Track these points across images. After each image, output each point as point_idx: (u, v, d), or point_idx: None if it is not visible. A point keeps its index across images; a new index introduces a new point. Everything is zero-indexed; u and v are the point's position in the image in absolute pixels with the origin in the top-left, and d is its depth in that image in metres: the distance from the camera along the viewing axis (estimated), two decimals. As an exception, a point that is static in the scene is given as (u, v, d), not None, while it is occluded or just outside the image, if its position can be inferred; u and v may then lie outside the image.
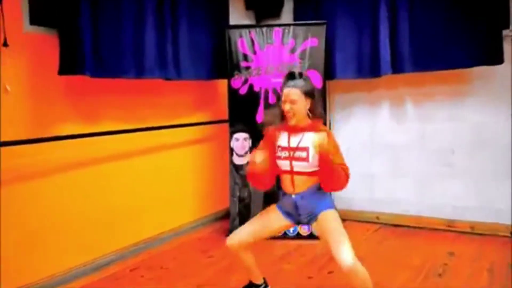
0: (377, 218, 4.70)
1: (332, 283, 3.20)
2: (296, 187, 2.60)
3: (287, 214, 2.70)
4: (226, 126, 4.44)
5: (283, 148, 2.61)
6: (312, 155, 2.50)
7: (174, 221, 4.38)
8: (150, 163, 4.10)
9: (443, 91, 4.33)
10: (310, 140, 2.52)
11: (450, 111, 4.32)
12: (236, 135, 4.30)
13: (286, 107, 2.55)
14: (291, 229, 4.15)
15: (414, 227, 4.46)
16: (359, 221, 4.72)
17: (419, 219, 4.50)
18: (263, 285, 2.92)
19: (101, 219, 3.64)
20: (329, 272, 3.37)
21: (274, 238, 4.13)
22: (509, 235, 4.07)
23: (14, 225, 3.04)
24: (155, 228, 4.16)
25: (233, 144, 4.31)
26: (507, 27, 3.83)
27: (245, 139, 4.28)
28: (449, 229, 4.33)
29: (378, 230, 4.48)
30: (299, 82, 2.56)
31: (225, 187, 4.51)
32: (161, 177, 4.23)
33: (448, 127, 4.34)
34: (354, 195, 4.71)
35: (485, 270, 3.38)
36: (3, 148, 2.90)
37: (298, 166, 2.56)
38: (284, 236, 4.12)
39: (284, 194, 2.70)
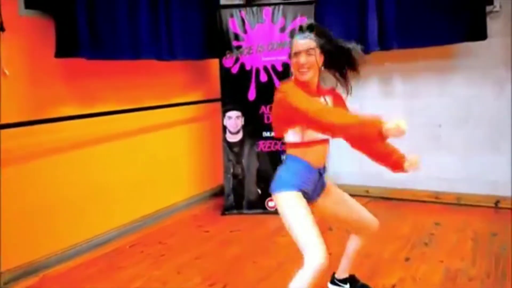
0: (367, 191, 4.85)
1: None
2: (324, 159, 2.37)
3: (305, 193, 2.26)
4: (218, 104, 4.54)
5: None
6: None
7: (170, 198, 4.50)
8: (145, 143, 4.20)
9: (430, 67, 4.44)
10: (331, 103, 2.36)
11: (437, 86, 4.44)
12: (228, 114, 4.40)
13: (302, 59, 2.22)
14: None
15: (403, 200, 4.62)
16: (349, 194, 4.83)
17: (407, 192, 4.65)
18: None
19: (99, 198, 3.75)
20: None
21: (267, 213, 4.30)
22: (493, 205, 4.24)
23: (15, 204, 3.15)
24: (151, 206, 4.28)
25: (226, 122, 4.41)
26: (491, 3, 3.93)
27: (237, 117, 4.39)
28: (436, 201, 4.49)
29: (368, 203, 4.62)
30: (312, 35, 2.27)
31: (219, 165, 4.63)
32: (156, 156, 4.34)
33: (435, 102, 4.46)
34: (344, 169, 4.86)
35: (469, 239, 3.53)
36: (3, 130, 2.99)
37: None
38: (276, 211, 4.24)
39: (309, 168, 2.29)
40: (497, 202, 4.23)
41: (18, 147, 3.16)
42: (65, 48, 3.19)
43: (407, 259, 3.22)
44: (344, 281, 2.72)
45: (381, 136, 1.90)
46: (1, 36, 3.00)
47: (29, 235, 3.25)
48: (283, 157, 2.50)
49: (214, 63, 4.68)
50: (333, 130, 2.07)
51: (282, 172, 2.30)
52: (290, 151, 2.32)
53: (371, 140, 2.07)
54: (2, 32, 2.98)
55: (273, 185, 2.28)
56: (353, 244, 2.61)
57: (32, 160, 3.27)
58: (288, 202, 2.20)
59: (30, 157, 3.25)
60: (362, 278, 2.79)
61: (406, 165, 2.17)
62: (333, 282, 2.75)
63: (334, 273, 2.74)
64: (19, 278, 3.13)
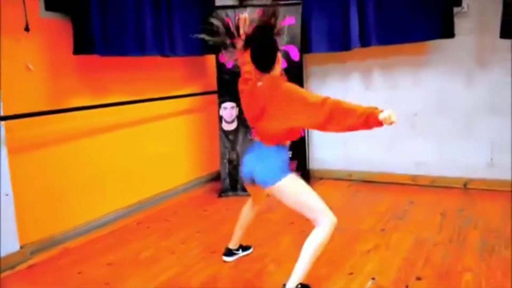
0: (350, 175, 5.30)
1: (311, 227, 3.79)
2: None
3: None
4: (215, 96, 4.96)
5: None
6: None
7: (171, 182, 4.92)
8: (148, 131, 4.61)
9: (406, 62, 4.88)
10: None
11: (412, 79, 4.87)
12: (224, 104, 4.83)
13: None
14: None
15: (382, 182, 5.06)
16: (334, 178, 5.32)
17: (387, 175, 5.10)
18: None
19: (109, 180, 4.17)
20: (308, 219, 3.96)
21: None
22: (462, 186, 4.71)
23: (37, 185, 3.57)
24: (154, 189, 4.70)
25: (222, 112, 4.83)
26: (460, 4, 4.36)
27: (232, 107, 4.81)
28: (412, 183, 4.95)
29: (350, 186, 5.09)
30: None
31: (215, 151, 5.07)
32: (158, 143, 4.75)
33: (411, 93, 4.88)
34: (329, 155, 5.32)
35: (438, 214, 3.99)
36: (27, 119, 3.40)
37: None
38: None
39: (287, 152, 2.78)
40: (465, 183, 4.69)
41: (36, 134, 3.56)
42: (82, 46, 3.61)
43: (382, 230, 3.68)
44: (237, 249, 3.29)
45: (379, 124, 2.25)
46: (25, 35, 3.41)
47: (50, 212, 3.67)
48: (263, 148, 2.66)
49: (211, 58, 5.11)
50: (349, 119, 2.30)
51: (273, 164, 2.62)
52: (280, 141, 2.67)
53: (367, 127, 2.30)
54: (27, 32, 3.39)
55: (270, 179, 2.60)
56: (250, 215, 3.16)
57: (50, 146, 3.67)
58: (293, 183, 2.62)
59: (48, 143, 3.65)
60: (340, 246, 3.31)
61: (380, 116, 2.22)
62: (229, 253, 3.26)
63: (227, 247, 3.26)
64: (43, 249, 3.56)
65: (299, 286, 2.53)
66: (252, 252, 3.36)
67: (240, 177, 4.78)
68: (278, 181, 2.59)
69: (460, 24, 4.39)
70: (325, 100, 2.34)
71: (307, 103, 2.37)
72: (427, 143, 4.89)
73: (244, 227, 3.20)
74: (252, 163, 2.72)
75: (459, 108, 4.68)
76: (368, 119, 2.25)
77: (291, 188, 2.62)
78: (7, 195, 3.30)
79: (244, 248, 3.31)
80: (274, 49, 2.59)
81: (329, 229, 2.52)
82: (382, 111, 2.23)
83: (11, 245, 3.34)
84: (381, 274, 2.94)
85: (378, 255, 3.23)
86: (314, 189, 2.69)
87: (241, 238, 3.24)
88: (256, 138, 2.75)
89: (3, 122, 3.25)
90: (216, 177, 5.39)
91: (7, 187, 3.30)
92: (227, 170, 4.88)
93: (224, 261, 3.22)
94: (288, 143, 2.76)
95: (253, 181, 2.74)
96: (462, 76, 4.63)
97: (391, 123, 2.22)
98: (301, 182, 2.67)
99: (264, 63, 2.59)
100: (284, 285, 2.56)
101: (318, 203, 2.59)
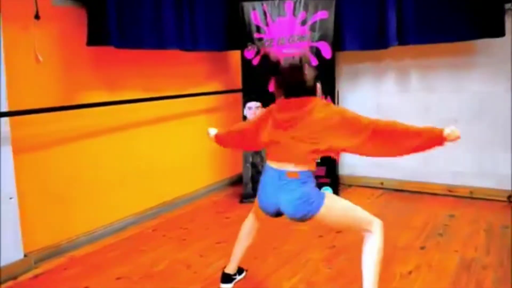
0: (382, 183, 4.94)
1: (341, 242, 3.46)
2: None
3: None
4: (239, 95, 4.65)
5: None
6: None
7: (190, 186, 4.63)
8: (167, 131, 4.32)
9: (447, 63, 4.51)
10: None
11: (453, 82, 4.51)
12: (249, 104, 4.51)
13: None
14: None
15: (417, 192, 4.70)
16: (364, 186, 4.97)
17: (421, 184, 4.74)
18: None
19: (122, 183, 3.88)
20: (338, 232, 3.62)
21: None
22: (506, 200, 4.32)
23: (43, 188, 3.28)
24: (172, 193, 4.41)
25: (246, 112, 4.51)
26: (509, 0, 3.99)
27: (257, 107, 4.48)
28: (450, 194, 4.57)
29: (382, 195, 4.73)
30: None
31: (238, 154, 4.74)
32: (177, 143, 4.46)
33: (450, 98, 4.52)
34: (359, 161, 4.95)
35: (482, 230, 3.62)
36: (34, 116, 3.12)
37: None
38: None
39: None
40: (509, 197, 4.30)
41: (43, 133, 3.28)
42: (96, 37, 3.31)
43: (422, 248, 3.32)
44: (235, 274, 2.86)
45: (442, 142, 2.12)
46: (36, 24, 3.12)
47: (57, 217, 3.39)
48: (300, 176, 2.27)
49: (235, 54, 4.79)
50: (404, 141, 2.18)
51: (309, 190, 2.29)
52: (306, 168, 2.32)
53: (430, 147, 2.18)
54: (37, 20, 3.10)
55: (311, 207, 2.25)
56: (252, 234, 2.75)
57: (61, 144, 3.40)
58: (333, 202, 2.33)
59: (58, 143, 3.38)
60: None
61: (445, 132, 2.10)
62: (228, 280, 2.82)
63: (224, 272, 2.82)
64: (48, 258, 3.27)
65: None
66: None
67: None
68: (320, 207, 2.25)
69: (508, 23, 4.01)
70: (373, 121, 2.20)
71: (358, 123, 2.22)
72: (466, 151, 4.51)
73: (245, 249, 2.77)
74: (277, 196, 2.33)
75: (501, 115, 4.32)
76: (431, 136, 2.13)
77: (333, 209, 2.31)
78: (11, 198, 3.02)
79: (240, 271, 2.90)
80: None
81: (380, 233, 2.34)
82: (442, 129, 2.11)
83: (14, 253, 3.06)
84: (427, 302, 2.58)
85: (422, 278, 2.87)
86: (344, 197, 2.46)
87: (240, 261, 2.82)
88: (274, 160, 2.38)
89: (8, 118, 2.97)
90: (237, 181, 5.08)
91: (12, 189, 3.02)
92: (249, 175, 4.56)
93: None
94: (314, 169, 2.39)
95: (277, 213, 2.41)
96: (506, 80, 4.25)
97: (456, 138, 2.10)
98: (339, 199, 2.42)
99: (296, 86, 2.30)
100: None
101: (362, 212, 2.37)
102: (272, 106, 2.45)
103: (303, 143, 2.26)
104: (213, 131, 2.93)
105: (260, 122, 2.50)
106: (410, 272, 2.94)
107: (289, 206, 2.28)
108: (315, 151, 2.27)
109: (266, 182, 2.40)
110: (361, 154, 2.28)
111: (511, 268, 2.95)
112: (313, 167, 2.34)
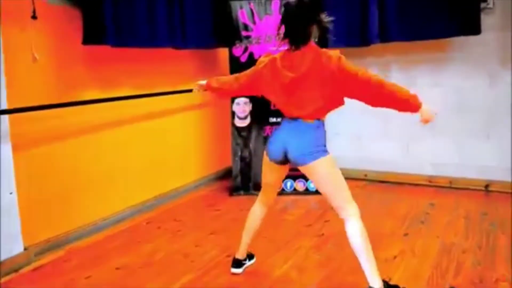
0: (365, 175, 5.12)
1: (329, 230, 3.63)
2: None
3: None
4: (227, 91, 4.75)
5: None
6: None
7: (180, 179, 4.75)
8: (158, 127, 4.43)
9: (427, 59, 4.69)
10: None
11: (433, 77, 4.69)
12: (237, 100, 4.63)
13: None
14: (288, 185, 4.58)
15: (399, 183, 4.89)
16: (348, 178, 5.09)
17: (403, 176, 4.93)
18: None
19: (115, 178, 3.98)
20: (326, 221, 3.80)
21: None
22: (483, 189, 4.53)
23: (37, 184, 3.36)
24: (163, 187, 4.52)
25: (235, 108, 4.65)
26: (485, 0, 4.18)
27: (245, 103, 4.62)
28: (430, 184, 4.77)
29: (366, 186, 4.91)
30: None
31: (227, 148, 4.88)
32: (168, 139, 4.57)
33: (431, 92, 4.67)
34: (343, 154, 5.11)
35: (462, 218, 3.82)
36: (32, 113, 3.20)
37: None
38: (282, 192, 4.51)
39: None
40: (487, 186, 4.52)
41: (42, 129, 3.36)
42: (92, 35, 3.41)
43: (405, 235, 3.51)
44: (245, 259, 3.02)
45: (417, 111, 2.35)
46: (32, 23, 3.20)
47: (56, 211, 3.48)
48: (302, 123, 2.47)
49: (223, 52, 4.91)
50: (392, 97, 2.35)
51: (320, 136, 2.50)
52: (319, 116, 2.52)
53: (406, 110, 2.39)
54: (34, 20, 3.19)
55: (310, 154, 2.43)
56: (260, 219, 2.88)
57: (58, 141, 3.48)
58: (332, 162, 2.48)
59: (55, 138, 3.46)
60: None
61: (421, 110, 2.38)
62: (238, 264, 2.97)
63: (235, 258, 2.97)
64: (49, 250, 3.37)
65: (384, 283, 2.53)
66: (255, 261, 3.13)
67: (252, 176, 4.64)
68: (319, 158, 2.43)
69: (485, 21, 4.19)
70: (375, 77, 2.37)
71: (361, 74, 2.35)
72: (445, 143, 4.71)
73: (253, 234, 2.91)
74: (287, 138, 2.50)
75: (479, 108, 4.51)
76: (409, 105, 2.36)
77: (330, 169, 2.47)
78: (11, 193, 3.11)
79: (250, 256, 3.06)
80: (309, 20, 2.50)
81: (358, 216, 2.52)
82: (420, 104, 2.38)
83: (14, 246, 3.16)
84: (411, 283, 2.75)
85: (405, 262, 3.05)
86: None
87: (249, 245, 2.96)
88: (289, 115, 2.54)
89: (7, 116, 3.06)
90: (225, 174, 5.22)
91: (11, 184, 3.12)
92: (238, 168, 4.70)
93: (233, 273, 2.96)
94: (325, 118, 2.62)
95: (283, 159, 2.55)
96: (484, 75, 4.45)
97: (426, 119, 2.39)
98: (337, 168, 2.51)
99: (299, 35, 2.47)
100: None
101: (348, 191, 2.53)
102: (274, 58, 2.56)
103: (312, 100, 2.42)
104: (202, 82, 2.98)
105: (263, 69, 2.59)
106: (395, 257, 3.12)
107: (298, 144, 2.46)
108: (324, 106, 2.46)
109: (280, 129, 2.57)
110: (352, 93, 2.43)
111: (489, 251, 3.14)
112: (323, 117, 2.55)
